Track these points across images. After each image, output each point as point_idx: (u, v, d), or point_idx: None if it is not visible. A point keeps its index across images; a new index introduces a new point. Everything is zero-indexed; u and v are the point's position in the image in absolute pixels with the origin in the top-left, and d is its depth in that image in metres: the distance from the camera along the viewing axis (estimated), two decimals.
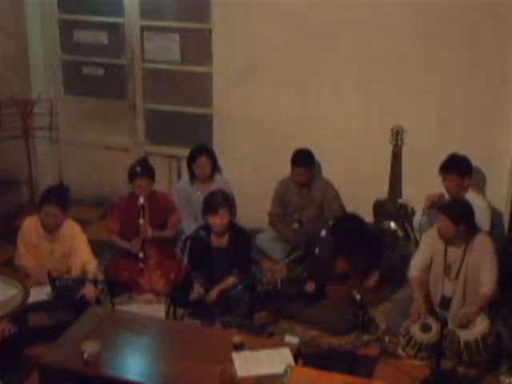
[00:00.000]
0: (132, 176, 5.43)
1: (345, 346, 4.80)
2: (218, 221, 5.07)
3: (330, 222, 5.22)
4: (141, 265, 5.38)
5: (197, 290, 5.04)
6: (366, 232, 5.23)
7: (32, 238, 5.07)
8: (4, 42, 6.46)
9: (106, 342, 3.99)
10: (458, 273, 4.69)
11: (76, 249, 5.06)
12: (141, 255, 5.38)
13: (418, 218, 5.39)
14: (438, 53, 5.49)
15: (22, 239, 5.08)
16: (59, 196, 5.02)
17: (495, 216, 5.37)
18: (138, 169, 5.43)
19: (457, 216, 4.60)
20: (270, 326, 4.99)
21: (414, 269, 4.79)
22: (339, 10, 5.60)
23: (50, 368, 3.97)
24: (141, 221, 5.35)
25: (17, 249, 5.11)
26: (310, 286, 5.02)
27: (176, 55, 6.36)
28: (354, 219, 5.23)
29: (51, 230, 5.04)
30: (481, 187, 5.56)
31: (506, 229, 5.49)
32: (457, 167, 5.16)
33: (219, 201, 5.10)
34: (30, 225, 5.09)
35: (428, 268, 4.78)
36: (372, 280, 5.13)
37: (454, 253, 4.69)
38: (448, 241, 4.68)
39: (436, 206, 5.07)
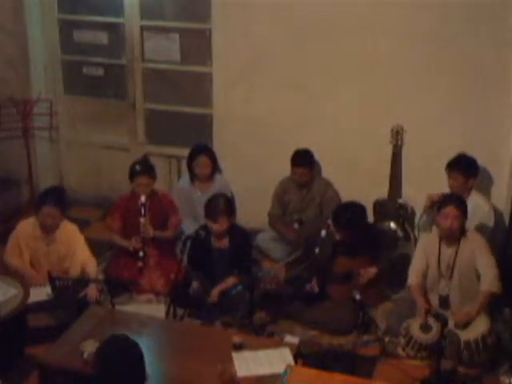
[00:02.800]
0: (133, 174, 5.44)
1: (345, 345, 4.81)
2: (217, 227, 5.06)
3: (329, 222, 5.21)
4: (140, 263, 5.39)
5: (195, 286, 5.05)
6: (366, 218, 5.22)
7: (28, 240, 5.07)
8: (4, 42, 6.46)
9: None
10: (451, 271, 4.69)
11: (74, 250, 5.06)
12: (140, 254, 5.39)
13: (418, 217, 5.40)
14: (439, 53, 5.49)
15: (14, 240, 5.08)
16: (57, 196, 5.03)
17: (497, 217, 5.37)
18: (139, 167, 5.44)
19: (462, 206, 4.61)
20: (269, 326, 4.99)
21: (413, 276, 4.80)
22: (339, 10, 5.60)
23: (50, 368, 3.97)
24: (142, 219, 5.36)
25: (6, 247, 5.12)
26: (313, 286, 5.01)
27: (176, 55, 6.36)
28: (354, 205, 5.20)
29: (49, 231, 5.04)
30: (481, 187, 5.56)
31: (507, 230, 5.48)
32: (463, 167, 5.16)
33: (219, 209, 5.04)
34: (26, 227, 5.09)
35: (425, 272, 4.79)
36: (368, 273, 5.10)
37: (447, 252, 4.71)
38: (450, 236, 4.67)
39: (437, 204, 5.10)
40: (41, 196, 5.11)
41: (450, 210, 4.60)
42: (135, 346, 3.17)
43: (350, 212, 5.09)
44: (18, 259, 5.06)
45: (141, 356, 3.16)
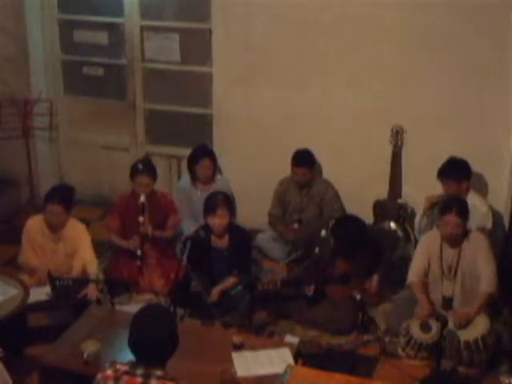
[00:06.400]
0: (134, 173, 5.43)
1: (345, 346, 4.81)
2: (218, 221, 5.06)
3: (331, 223, 5.22)
4: (138, 262, 5.39)
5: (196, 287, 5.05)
6: (366, 233, 5.23)
7: (36, 238, 5.07)
8: (4, 41, 6.46)
9: (106, 342, 3.99)
10: (455, 272, 4.69)
11: (79, 248, 5.06)
12: (138, 253, 5.39)
13: (418, 219, 5.39)
14: (438, 53, 5.49)
15: (27, 238, 5.08)
16: (62, 195, 5.02)
17: (496, 217, 5.36)
18: (140, 166, 5.44)
19: (464, 210, 4.59)
20: (269, 326, 4.99)
21: (413, 273, 4.80)
22: (339, 10, 5.60)
23: (50, 368, 3.97)
24: (140, 218, 5.35)
25: (21, 247, 5.10)
26: (308, 290, 5.01)
27: (176, 55, 6.36)
28: (354, 220, 5.23)
29: (56, 229, 5.04)
30: (481, 188, 5.56)
31: (507, 230, 5.48)
32: (455, 172, 5.11)
33: (218, 201, 5.09)
34: (35, 224, 5.09)
35: (426, 271, 4.78)
36: (373, 283, 5.12)
37: (450, 252, 4.70)
38: (452, 241, 4.66)
39: (437, 205, 5.08)
40: (47, 194, 5.09)
41: (451, 219, 4.57)
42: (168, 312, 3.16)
43: (349, 229, 5.09)
44: (34, 258, 5.04)
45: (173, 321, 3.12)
